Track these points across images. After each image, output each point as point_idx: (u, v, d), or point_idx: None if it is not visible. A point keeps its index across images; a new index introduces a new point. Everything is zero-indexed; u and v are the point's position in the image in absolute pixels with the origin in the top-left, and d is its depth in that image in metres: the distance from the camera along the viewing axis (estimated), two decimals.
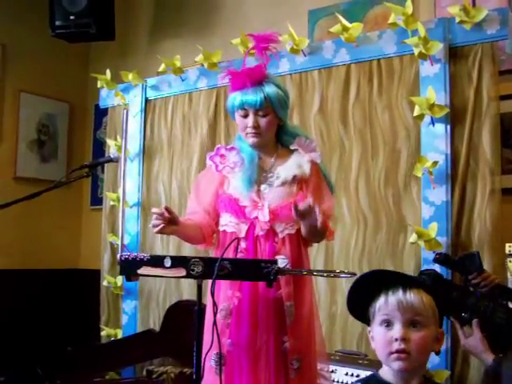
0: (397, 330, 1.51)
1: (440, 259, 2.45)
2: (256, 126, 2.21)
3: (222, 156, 2.29)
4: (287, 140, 2.31)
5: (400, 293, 1.53)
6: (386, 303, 1.54)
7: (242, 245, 2.17)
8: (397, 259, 2.95)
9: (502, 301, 2.23)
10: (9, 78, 4.42)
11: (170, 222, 2.10)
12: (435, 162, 2.77)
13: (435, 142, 2.84)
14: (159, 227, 2.08)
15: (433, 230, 2.75)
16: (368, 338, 1.64)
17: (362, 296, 1.59)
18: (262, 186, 2.23)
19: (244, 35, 2.87)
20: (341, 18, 3.05)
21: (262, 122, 2.21)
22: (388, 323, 1.53)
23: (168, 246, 3.69)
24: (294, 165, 2.24)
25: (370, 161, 3.07)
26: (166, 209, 2.09)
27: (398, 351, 1.50)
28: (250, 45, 2.48)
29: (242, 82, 2.20)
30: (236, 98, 2.22)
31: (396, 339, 1.50)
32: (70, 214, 4.80)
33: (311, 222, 2.06)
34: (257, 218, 2.19)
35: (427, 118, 2.84)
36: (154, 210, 2.11)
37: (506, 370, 2.03)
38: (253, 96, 2.18)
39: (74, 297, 4.51)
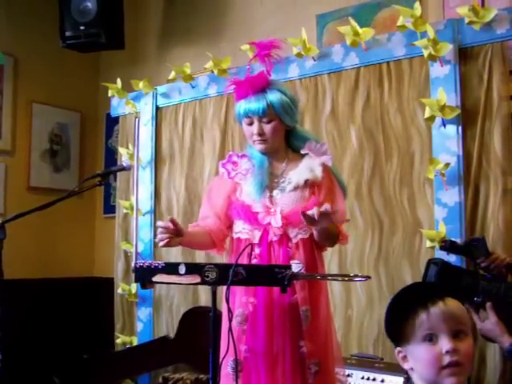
0: (445, 342, 1.44)
1: (446, 246, 2.45)
2: (261, 133, 2.23)
3: (234, 163, 2.31)
4: (297, 144, 2.32)
5: (440, 304, 1.47)
6: (428, 317, 1.46)
7: (256, 251, 2.18)
8: (413, 261, 2.94)
9: None
10: (21, 89, 4.46)
11: (176, 234, 2.12)
12: (447, 164, 2.76)
13: (447, 143, 2.83)
14: (165, 241, 2.10)
15: (442, 229, 2.74)
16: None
17: (398, 316, 1.51)
18: (274, 192, 2.24)
19: (248, 43, 2.88)
20: (353, 22, 3.05)
21: (267, 128, 2.23)
22: (431, 338, 1.45)
23: (179, 250, 3.68)
24: (306, 169, 2.25)
25: (384, 163, 3.07)
26: (172, 221, 2.10)
27: (450, 364, 1.42)
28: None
29: (244, 91, 2.24)
30: (241, 106, 2.26)
31: (447, 351, 1.42)
32: (83, 222, 4.82)
33: (322, 227, 2.07)
34: (270, 223, 2.20)
35: (438, 120, 2.83)
36: (160, 223, 2.13)
37: None
38: (256, 104, 2.21)
39: (88, 305, 4.53)
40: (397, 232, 3.02)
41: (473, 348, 1.47)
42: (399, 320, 1.51)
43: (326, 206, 2.00)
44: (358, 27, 3.04)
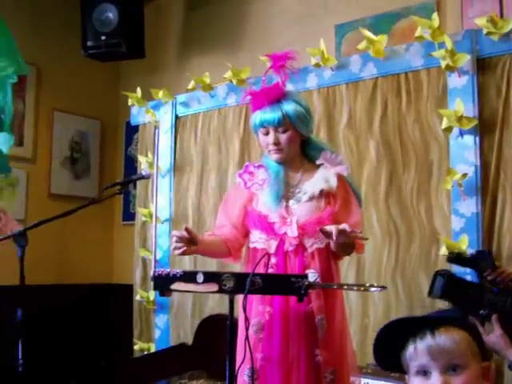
0: (435, 379, 1.35)
1: (452, 258, 2.45)
2: (277, 143, 2.26)
3: (250, 173, 2.33)
4: (313, 155, 2.35)
5: (428, 338, 1.38)
6: (415, 352, 1.39)
7: (272, 260, 2.21)
8: (430, 271, 2.93)
9: None
10: (43, 98, 4.52)
11: (190, 243, 2.15)
12: (464, 174, 2.76)
13: (464, 153, 2.84)
14: (181, 250, 2.13)
15: (463, 242, 2.74)
16: None
17: (390, 346, 1.45)
18: (290, 202, 2.27)
19: (263, 56, 2.92)
20: (366, 32, 3.07)
21: (283, 138, 2.26)
22: (425, 372, 1.38)
23: (196, 258, 3.71)
24: (321, 179, 2.27)
25: (401, 173, 3.08)
26: (186, 229, 2.14)
27: None
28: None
29: (260, 102, 2.27)
30: (256, 117, 2.29)
31: None
32: (103, 229, 4.87)
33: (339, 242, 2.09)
34: (286, 233, 2.22)
35: (456, 130, 2.84)
36: (175, 232, 2.16)
37: None
38: (271, 114, 2.23)
39: (107, 311, 4.57)
40: (414, 242, 3.02)
41: (471, 381, 1.35)
42: (395, 349, 1.44)
43: (345, 226, 2.03)
44: (371, 35, 3.05)
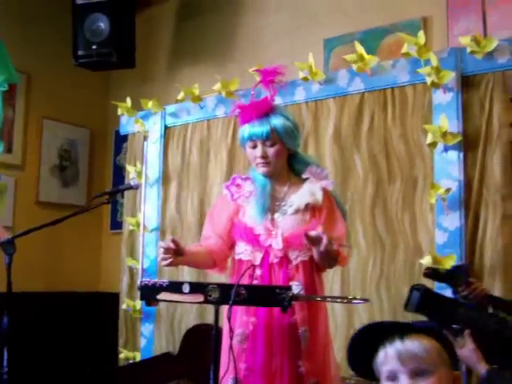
0: (403, 382, 1.38)
1: (429, 273, 2.49)
2: (264, 156, 2.30)
3: (237, 185, 2.37)
4: (299, 169, 2.39)
5: (397, 343, 1.41)
6: (385, 357, 1.42)
7: (257, 272, 2.24)
8: (414, 283, 2.97)
9: (492, 310, 2.27)
10: (33, 105, 4.55)
11: (177, 254, 2.17)
12: (448, 189, 2.81)
13: (448, 168, 2.89)
14: (168, 261, 2.16)
15: (450, 260, 2.76)
16: None
17: (363, 353, 1.47)
18: (276, 215, 2.30)
19: (252, 69, 2.97)
20: (358, 46, 3.12)
21: (270, 151, 2.29)
22: (393, 378, 1.40)
23: (183, 268, 3.73)
24: (307, 193, 2.31)
25: (386, 186, 3.12)
26: (173, 241, 2.16)
27: None
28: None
29: (249, 115, 2.31)
30: (245, 130, 2.32)
31: None
32: (90, 237, 4.88)
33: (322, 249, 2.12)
34: (271, 245, 2.25)
35: (440, 146, 2.89)
36: (161, 243, 2.19)
37: (500, 381, 2.04)
38: (259, 128, 2.27)
39: (93, 319, 4.57)
40: (398, 254, 3.06)
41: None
42: (365, 358, 1.46)
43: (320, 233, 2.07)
44: (364, 53, 3.10)
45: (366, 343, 1.46)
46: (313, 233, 2.08)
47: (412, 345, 1.40)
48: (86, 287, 4.73)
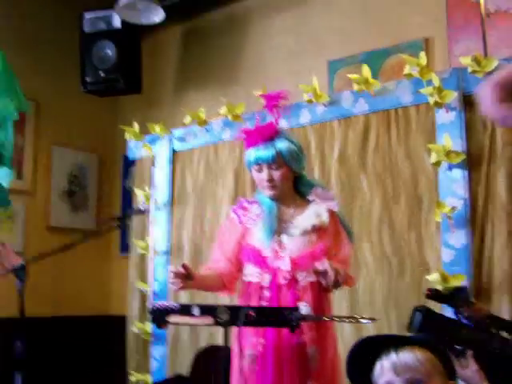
0: None
1: (431, 295, 2.51)
2: (270, 180, 2.34)
3: (244, 208, 2.42)
4: (305, 191, 2.43)
5: (393, 355, 1.48)
6: (381, 369, 1.48)
7: (266, 294, 2.27)
8: (421, 302, 2.98)
9: (495, 331, 2.28)
10: (42, 132, 4.61)
11: (187, 278, 2.21)
12: (453, 207, 2.83)
13: (453, 186, 2.91)
14: (178, 286, 2.20)
15: (459, 279, 2.78)
16: None
17: (361, 366, 1.54)
18: (283, 236, 2.34)
19: (257, 93, 3.02)
20: (366, 70, 3.17)
21: (276, 175, 2.34)
22: None
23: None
24: (313, 214, 2.35)
25: (392, 206, 3.14)
26: (183, 266, 2.20)
27: None
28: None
29: (254, 140, 2.36)
30: (251, 154, 2.38)
31: None
32: (100, 261, 4.90)
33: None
34: (279, 267, 2.29)
35: (445, 164, 2.92)
36: (171, 268, 2.23)
37: None
38: (265, 152, 2.32)
39: (103, 342, 4.58)
40: (405, 273, 3.08)
41: None
42: (363, 370, 1.52)
43: (336, 267, 2.12)
44: (369, 76, 3.15)
45: (363, 356, 1.54)
46: (320, 267, 2.13)
47: (406, 357, 1.47)
48: (96, 311, 4.75)
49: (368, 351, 1.53)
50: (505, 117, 1.54)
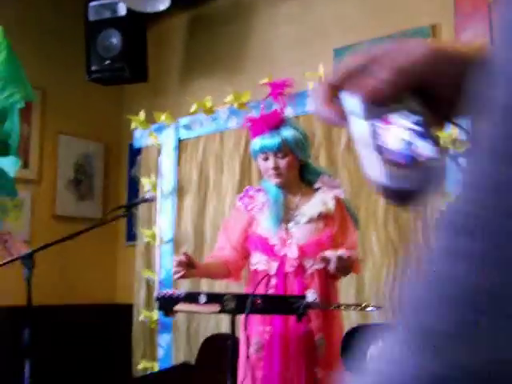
0: None
1: None
2: (276, 168, 2.34)
3: (250, 197, 2.42)
4: (311, 179, 2.43)
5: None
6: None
7: (273, 281, 2.28)
8: None
9: None
10: (48, 121, 4.61)
11: (189, 266, 2.22)
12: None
13: (459, 174, 2.90)
14: (180, 274, 2.21)
15: None
16: None
17: (356, 352, 1.55)
18: (290, 224, 2.34)
19: (262, 82, 3.01)
20: None
21: (282, 163, 2.33)
22: None
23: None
24: (319, 202, 2.35)
25: None
26: (184, 254, 2.22)
27: None
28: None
29: (259, 128, 2.35)
30: (256, 143, 2.37)
31: None
32: (106, 249, 4.92)
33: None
34: (286, 255, 2.29)
35: (451, 152, 2.90)
36: (174, 257, 2.25)
37: None
38: (270, 140, 2.31)
39: (110, 331, 4.60)
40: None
41: None
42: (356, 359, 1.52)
43: (343, 252, 2.11)
44: None
45: (355, 345, 1.50)
46: (327, 254, 2.14)
47: None
48: (103, 299, 4.77)
49: (359, 339, 1.51)
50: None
